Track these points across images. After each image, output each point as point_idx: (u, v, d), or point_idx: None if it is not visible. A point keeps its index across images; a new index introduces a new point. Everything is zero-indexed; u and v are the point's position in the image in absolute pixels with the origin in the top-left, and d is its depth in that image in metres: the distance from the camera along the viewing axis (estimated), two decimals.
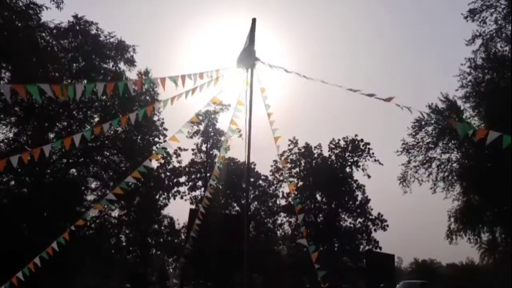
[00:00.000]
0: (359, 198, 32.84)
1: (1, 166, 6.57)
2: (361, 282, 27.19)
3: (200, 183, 31.31)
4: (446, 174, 20.64)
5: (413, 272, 34.77)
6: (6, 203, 22.45)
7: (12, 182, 23.19)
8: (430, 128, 20.77)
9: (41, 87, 5.54)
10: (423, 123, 20.62)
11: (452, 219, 21.37)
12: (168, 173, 29.74)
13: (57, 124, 23.90)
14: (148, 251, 28.28)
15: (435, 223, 76.65)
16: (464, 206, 20.30)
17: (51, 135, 22.98)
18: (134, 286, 11.45)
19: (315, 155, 33.69)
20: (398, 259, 35.21)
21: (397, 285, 14.31)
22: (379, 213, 32.28)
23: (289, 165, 33.29)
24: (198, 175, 31.58)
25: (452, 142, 20.08)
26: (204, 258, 11.84)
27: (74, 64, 23.37)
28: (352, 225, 32.58)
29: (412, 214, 79.86)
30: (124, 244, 27.17)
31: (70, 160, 24.52)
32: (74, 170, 25.39)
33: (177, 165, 30.46)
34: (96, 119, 23.87)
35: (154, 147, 23.61)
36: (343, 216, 33.29)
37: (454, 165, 20.47)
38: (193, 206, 27.56)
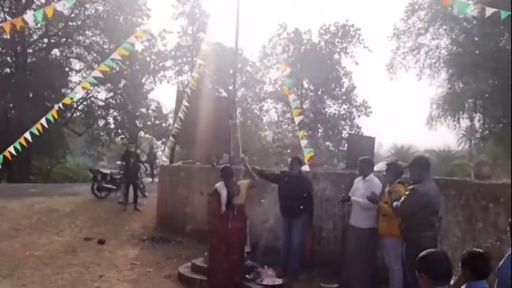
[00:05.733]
0: (346, 85, 33.10)
1: None
2: (341, 164, 28.62)
3: (186, 67, 30.93)
4: (434, 61, 20.64)
5: (392, 157, 36.39)
6: None
7: None
8: (422, 13, 20.24)
9: None
10: (416, 7, 20.02)
11: (434, 106, 21.97)
12: (153, 57, 29.17)
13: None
14: (137, 134, 28.95)
15: (417, 110, 78.63)
16: (447, 93, 20.70)
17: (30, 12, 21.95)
18: (127, 163, 11.92)
19: (304, 41, 33.07)
20: (378, 145, 36.46)
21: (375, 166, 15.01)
22: (363, 100, 32.92)
23: (277, 51, 32.83)
24: (185, 59, 31.06)
25: (443, 27, 19.75)
26: (192, 138, 12.15)
27: None
28: (336, 112, 33.32)
29: (396, 101, 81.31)
30: (112, 126, 27.66)
31: (52, 40, 23.81)
32: (56, 50, 24.80)
33: (162, 48, 29.77)
34: None
35: (137, 28, 22.81)
36: (328, 103, 33.84)
37: (443, 51, 20.39)
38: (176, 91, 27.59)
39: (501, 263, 3.52)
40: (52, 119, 7.77)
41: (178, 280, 6.78)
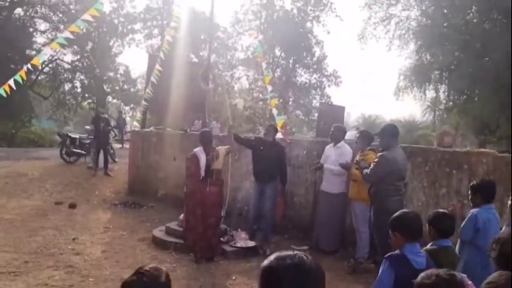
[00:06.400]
0: (317, 54, 33.13)
1: None
2: (310, 133, 29.05)
3: (156, 31, 30.13)
4: (403, 32, 20.84)
5: (359, 126, 37.19)
6: None
7: None
8: None
9: None
10: None
11: (402, 77, 22.33)
12: (121, 19, 28.23)
13: None
14: (104, 99, 28.33)
15: (385, 82, 79.91)
16: (415, 65, 21.05)
17: None
18: (97, 128, 11.68)
19: (277, 7, 32.69)
20: (346, 114, 37.28)
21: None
22: (334, 70, 33.14)
23: (249, 17, 32.39)
24: (154, 22, 30.20)
25: None
26: (164, 104, 12.04)
27: None
28: (307, 81, 33.44)
29: (365, 71, 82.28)
30: (79, 90, 26.97)
31: None
32: (20, 9, 23.65)
33: (131, 10, 28.80)
34: None
35: None
36: (299, 71, 33.88)
37: (412, 23, 20.57)
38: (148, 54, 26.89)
39: (462, 224, 3.80)
40: (20, 81, 7.53)
41: (152, 243, 6.89)
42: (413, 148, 6.33)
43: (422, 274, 2.00)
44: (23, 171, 11.51)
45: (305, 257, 1.41)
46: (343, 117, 15.58)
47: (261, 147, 7.12)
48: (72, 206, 9.08)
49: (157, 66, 9.87)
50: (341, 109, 14.77)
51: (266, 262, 1.42)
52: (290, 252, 1.43)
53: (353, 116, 40.07)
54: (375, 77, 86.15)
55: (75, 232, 7.33)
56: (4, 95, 7.75)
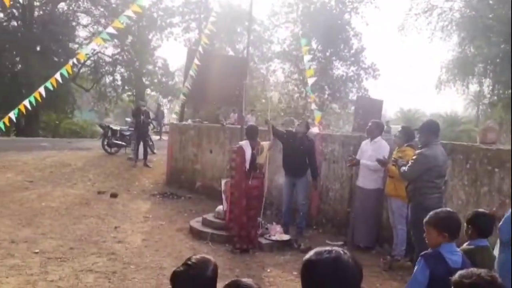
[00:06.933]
0: (355, 46, 32.56)
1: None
2: (346, 127, 28.74)
3: (194, 24, 30.48)
4: (446, 23, 20.23)
5: (397, 120, 36.48)
6: None
7: (0, 15, 22.52)
8: None
9: None
10: None
11: (444, 70, 21.74)
12: (160, 13, 28.76)
13: None
14: (144, 91, 29.03)
15: (425, 75, 77.65)
16: (458, 57, 20.43)
17: None
18: (138, 120, 12.02)
19: None
20: (384, 108, 36.70)
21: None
22: (372, 62, 32.47)
23: (286, 9, 32.17)
24: (192, 16, 30.56)
25: None
26: (200, 97, 12.19)
27: None
28: (344, 74, 32.95)
29: (404, 64, 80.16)
30: (119, 83, 27.72)
31: None
32: (63, 4, 24.47)
33: (170, 4, 29.28)
34: None
35: None
36: (336, 64, 33.40)
37: (456, 14, 19.94)
38: (187, 48, 27.29)
39: (500, 223, 3.71)
40: (66, 74, 7.82)
41: (189, 233, 7.07)
42: (454, 145, 6.19)
43: (461, 273, 1.97)
44: (67, 161, 11.99)
45: (342, 252, 1.49)
46: (381, 111, 15.34)
47: (291, 140, 7.15)
48: (114, 195, 9.40)
49: (196, 61, 10.02)
50: (379, 102, 14.56)
51: (307, 256, 1.52)
52: (328, 248, 1.51)
53: (390, 109, 39.31)
54: (415, 70, 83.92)
55: (117, 220, 7.61)
56: (51, 88, 8.09)
